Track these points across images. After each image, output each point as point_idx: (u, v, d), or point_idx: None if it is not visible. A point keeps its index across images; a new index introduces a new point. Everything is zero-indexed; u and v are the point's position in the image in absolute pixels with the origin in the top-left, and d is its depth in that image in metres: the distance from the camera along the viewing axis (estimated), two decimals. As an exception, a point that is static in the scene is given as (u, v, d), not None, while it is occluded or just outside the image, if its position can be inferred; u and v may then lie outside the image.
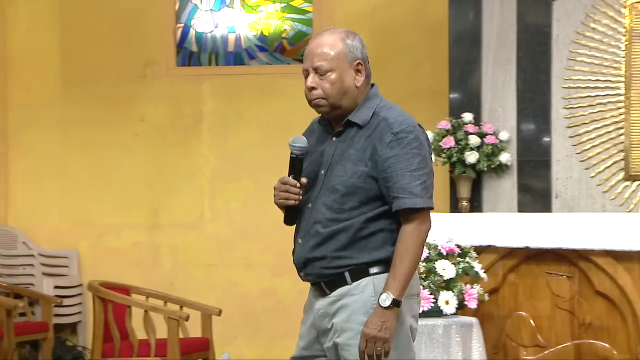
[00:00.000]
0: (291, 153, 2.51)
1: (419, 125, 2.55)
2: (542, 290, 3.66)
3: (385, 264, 2.47)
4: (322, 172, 2.52)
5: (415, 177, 2.45)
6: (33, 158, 6.41)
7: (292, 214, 2.54)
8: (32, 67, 6.42)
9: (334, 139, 2.53)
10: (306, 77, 2.53)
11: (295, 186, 2.50)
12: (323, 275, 2.50)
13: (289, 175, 2.51)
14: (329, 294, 2.51)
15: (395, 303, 2.39)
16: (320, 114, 2.59)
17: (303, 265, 2.53)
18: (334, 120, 2.56)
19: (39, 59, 6.42)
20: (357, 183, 2.46)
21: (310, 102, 2.54)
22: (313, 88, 2.50)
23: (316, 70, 2.50)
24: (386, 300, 2.39)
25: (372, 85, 2.60)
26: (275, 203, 2.54)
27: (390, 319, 2.39)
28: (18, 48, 6.43)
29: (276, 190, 2.52)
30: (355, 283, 2.48)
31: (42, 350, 5.79)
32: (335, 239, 2.47)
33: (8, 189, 6.42)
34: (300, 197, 2.51)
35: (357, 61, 2.52)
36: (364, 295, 2.47)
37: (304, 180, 2.51)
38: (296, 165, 2.51)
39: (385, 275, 2.47)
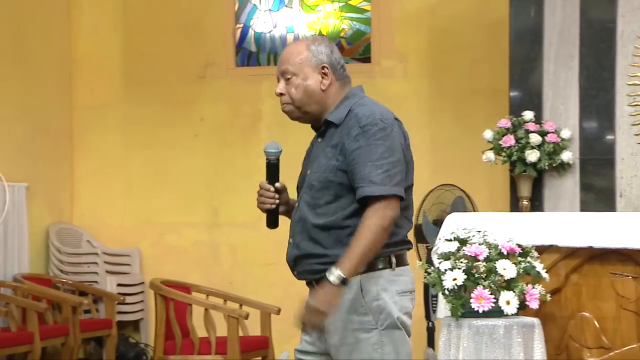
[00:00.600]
0: (266, 158, 2.59)
1: (396, 118, 2.56)
2: (606, 290, 3.58)
3: (371, 262, 2.51)
4: (308, 172, 2.60)
5: (376, 166, 2.46)
6: (97, 158, 6.55)
7: (272, 218, 2.62)
8: (96, 69, 6.55)
9: (319, 139, 2.62)
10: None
11: (268, 190, 2.58)
12: (313, 272, 2.55)
13: (265, 180, 2.60)
14: None
15: (343, 281, 2.40)
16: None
17: (294, 264, 2.59)
18: (316, 123, 2.64)
19: (103, 61, 6.55)
20: (329, 177, 2.52)
21: (282, 109, 2.63)
22: (281, 94, 2.59)
23: (283, 75, 2.58)
24: (334, 278, 2.40)
25: (359, 86, 2.66)
26: (258, 207, 2.63)
27: (334, 296, 2.41)
28: (82, 51, 6.57)
29: (258, 195, 2.62)
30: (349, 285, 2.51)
31: (107, 346, 5.90)
32: (318, 236, 2.53)
33: (73, 188, 6.57)
34: (277, 201, 2.60)
35: (322, 65, 2.58)
36: (352, 295, 2.50)
37: (277, 185, 2.60)
38: (271, 170, 2.59)
39: (372, 273, 2.52)
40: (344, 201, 2.51)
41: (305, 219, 2.54)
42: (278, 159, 2.60)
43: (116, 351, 5.95)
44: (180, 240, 6.40)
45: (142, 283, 6.31)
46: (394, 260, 2.56)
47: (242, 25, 6.50)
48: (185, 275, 5.93)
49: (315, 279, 2.54)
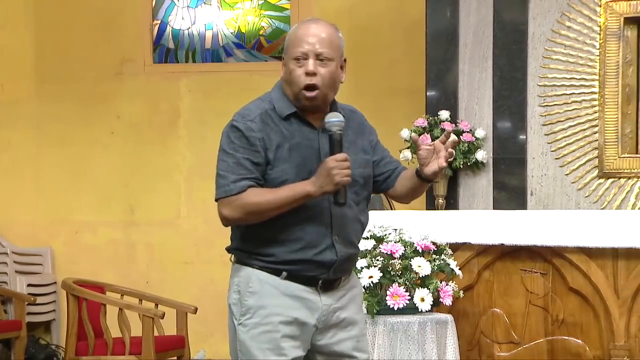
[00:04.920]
0: (329, 130, 2.39)
1: None
2: (516, 287, 3.67)
3: None
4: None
5: None
6: (7, 155, 6.36)
7: (345, 192, 2.38)
8: (7, 65, 6.36)
9: (320, 131, 2.47)
10: (300, 62, 2.40)
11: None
12: (350, 269, 2.53)
13: (337, 153, 2.36)
14: (338, 288, 2.48)
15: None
16: (267, 104, 2.46)
17: (342, 262, 2.46)
18: (309, 112, 2.46)
19: (13, 55, 6.36)
20: (370, 172, 2.52)
21: (302, 88, 2.40)
22: (314, 74, 2.39)
23: (318, 56, 2.39)
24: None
25: None
26: (336, 183, 2.35)
27: None
28: (-8, 44, 6.37)
29: (336, 169, 2.34)
30: (352, 275, 2.55)
31: (15, 348, 5.74)
32: (360, 234, 2.53)
33: (-18, 186, 6.36)
34: None
35: (344, 57, 2.51)
36: (359, 285, 2.58)
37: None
38: (340, 141, 2.39)
39: None
40: (369, 196, 2.54)
41: (358, 217, 2.47)
42: (342, 130, 2.41)
43: (25, 353, 5.79)
44: (95, 239, 6.27)
45: (54, 283, 6.15)
46: None
47: (159, 21, 6.41)
48: (100, 275, 5.81)
49: (346, 275, 2.51)
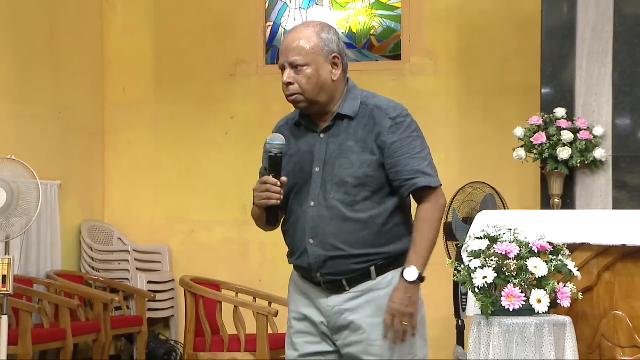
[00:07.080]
0: (269, 152, 2.45)
1: None
2: None
3: (405, 256, 2.50)
4: (317, 169, 2.47)
5: (422, 158, 2.47)
6: (128, 156, 6.60)
7: (274, 214, 2.48)
8: (128, 68, 6.61)
9: (321, 135, 2.50)
10: (283, 73, 2.48)
11: (276, 185, 2.43)
12: (349, 271, 2.46)
13: (268, 175, 2.43)
14: (348, 290, 2.47)
15: (420, 278, 2.41)
16: (295, 113, 2.56)
17: (322, 265, 2.46)
18: (315, 116, 2.51)
19: (134, 59, 6.60)
20: (368, 172, 2.45)
21: (287, 98, 2.49)
22: (290, 84, 2.45)
23: (292, 65, 2.45)
24: (412, 275, 2.39)
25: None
26: (256, 204, 2.46)
27: (415, 294, 2.41)
28: (115, 49, 6.63)
29: (256, 192, 2.45)
30: (379, 278, 2.48)
31: (137, 343, 5.94)
32: (358, 235, 2.44)
33: (104, 186, 6.62)
34: (282, 196, 2.44)
35: (334, 54, 2.47)
36: (391, 289, 2.47)
37: (284, 179, 2.45)
38: (276, 164, 2.44)
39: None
40: (379, 197, 2.46)
41: (342, 217, 2.44)
42: (282, 152, 2.47)
43: (147, 348, 5.99)
44: (210, 238, 6.42)
45: (172, 280, 6.35)
46: None
47: (272, 23, 6.51)
48: (215, 273, 5.95)
49: (348, 278, 2.47)
